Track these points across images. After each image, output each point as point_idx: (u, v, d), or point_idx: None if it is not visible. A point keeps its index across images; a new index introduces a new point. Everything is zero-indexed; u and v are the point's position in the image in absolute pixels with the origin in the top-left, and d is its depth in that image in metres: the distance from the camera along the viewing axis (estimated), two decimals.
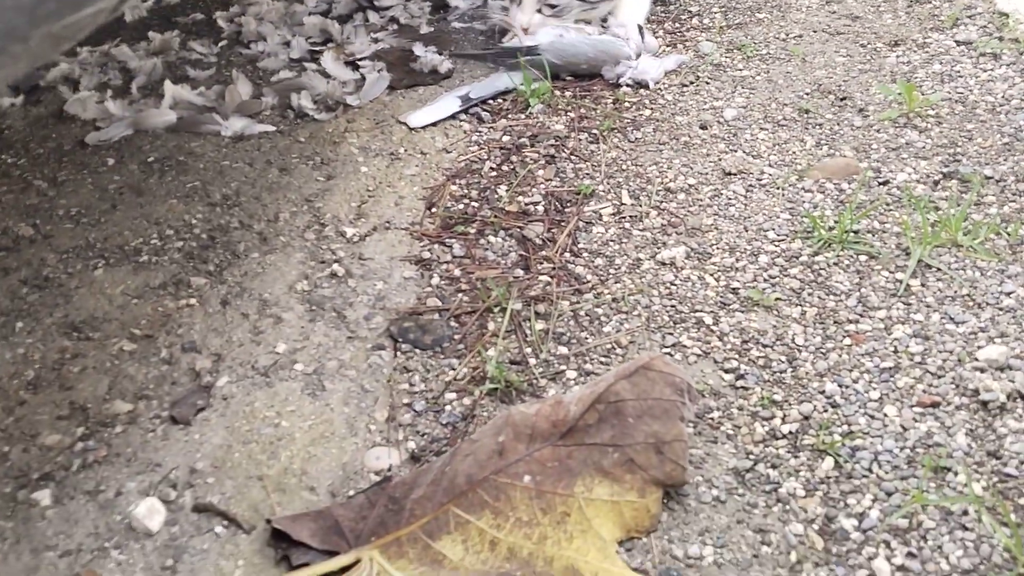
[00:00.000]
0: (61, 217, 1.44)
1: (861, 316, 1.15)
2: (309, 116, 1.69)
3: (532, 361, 1.12)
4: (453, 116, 1.66)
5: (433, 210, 1.42)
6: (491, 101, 1.72)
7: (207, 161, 1.57)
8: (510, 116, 1.67)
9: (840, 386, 1.04)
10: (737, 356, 1.10)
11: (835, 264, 1.24)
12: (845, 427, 0.99)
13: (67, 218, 1.44)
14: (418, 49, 1.89)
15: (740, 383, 1.06)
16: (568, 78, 1.77)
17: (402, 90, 1.77)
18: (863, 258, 1.25)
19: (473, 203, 1.43)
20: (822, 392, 1.04)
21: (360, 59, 1.87)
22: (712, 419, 1.02)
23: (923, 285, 1.20)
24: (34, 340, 1.20)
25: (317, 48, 1.93)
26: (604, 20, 1.87)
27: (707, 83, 1.74)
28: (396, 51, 1.90)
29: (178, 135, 1.65)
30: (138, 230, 1.40)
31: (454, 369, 1.12)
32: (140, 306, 1.25)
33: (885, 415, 1.00)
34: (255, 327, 1.20)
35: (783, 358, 1.09)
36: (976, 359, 1.06)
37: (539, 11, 1.77)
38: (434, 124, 1.64)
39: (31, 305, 1.26)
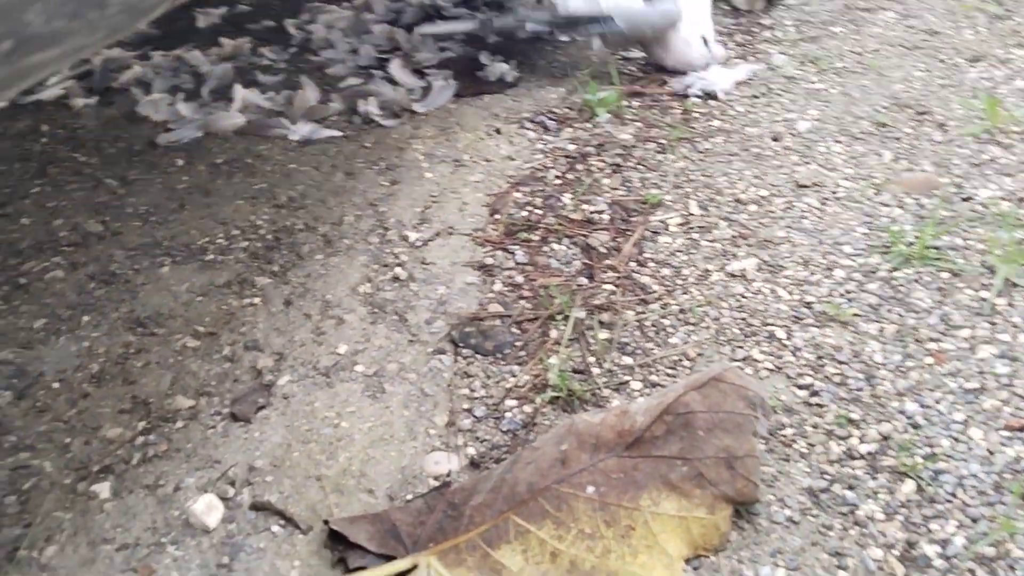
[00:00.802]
0: (130, 215, 1.45)
1: (943, 335, 1.10)
2: (375, 122, 1.69)
3: (595, 371, 1.09)
4: (466, 37, 1.69)
5: (497, 216, 1.40)
6: (556, 110, 1.70)
7: (274, 164, 1.58)
8: (576, 125, 1.65)
9: (922, 406, 0.99)
10: (811, 372, 1.06)
11: (915, 280, 1.19)
12: (927, 449, 0.94)
13: (136, 216, 1.45)
14: (484, 58, 1.88)
15: (814, 400, 1.02)
16: (637, 88, 1.74)
17: (468, 98, 1.76)
18: (945, 275, 1.20)
19: (537, 210, 1.41)
20: (902, 412, 0.99)
21: (427, 67, 1.87)
22: (785, 436, 0.98)
23: (1010, 304, 1.14)
24: (99, 334, 1.20)
25: (384, 56, 1.94)
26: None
27: (779, 95, 1.70)
28: (463, 60, 1.89)
29: (246, 138, 1.66)
30: (205, 229, 1.40)
31: (515, 376, 1.10)
32: (204, 304, 1.25)
33: (970, 438, 0.95)
34: (317, 327, 1.19)
35: (860, 375, 1.05)
36: None
37: None
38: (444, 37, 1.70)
39: (97, 300, 1.27)
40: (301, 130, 1.65)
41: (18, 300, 1.27)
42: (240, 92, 1.74)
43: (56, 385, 1.12)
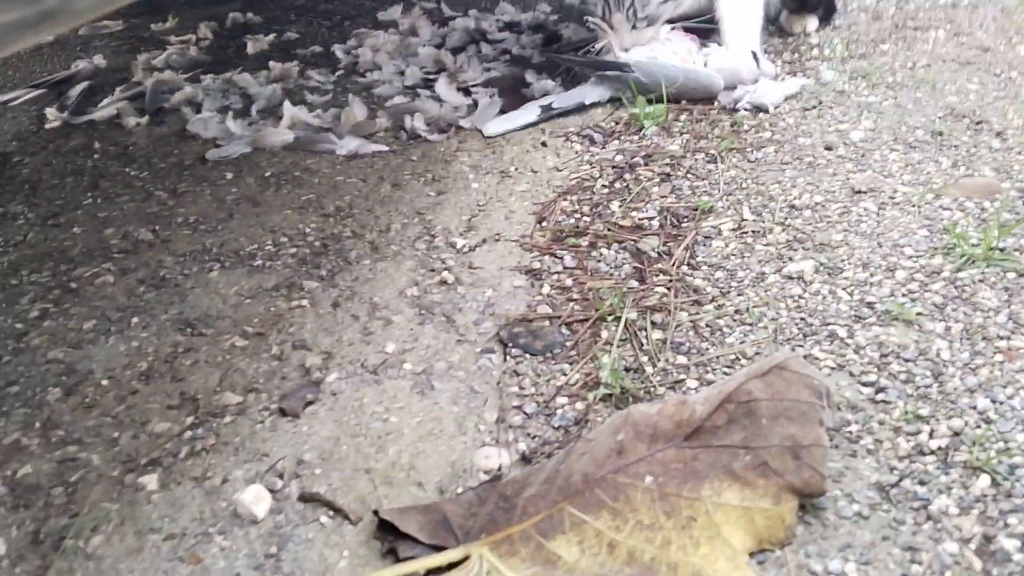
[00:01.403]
0: (179, 224, 1.46)
1: (1013, 333, 1.05)
2: (421, 137, 1.70)
3: (649, 369, 1.06)
4: (531, 125, 1.67)
5: (544, 224, 1.39)
6: (603, 124, 1.69)
7: (322, 176, 1.58)
8: (623, 138, 1.63)
9: (994, 402, 0.95)
10: (876, 370, 1.02)
11: (980, 281, 1.15)
12: (1001, 444, 0.90)
13: (185, 225, 1.46)
14: (529, 76, 1.88)
15: (880, 397, 0.98)
16: (684, 103, 1.73)
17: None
18: (1011, 275, 1.15)
19: (585, 218, 1.39)
20: (973, 407, 0.95)
21: (473, 86, 1.87)
22: (851, 433, 0.94)
23: None
24: (148, 335, 1.20)
25: (431, 77, 1.95)
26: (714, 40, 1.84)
27: (830, 107, 1.67)
28: (508, 78, 1.90)
29: (294, 153, 1.68)
30: (253, 237, 1.41)
31: (566, 374, 1.07)
32: (253, 306, 1.24)
33: None
34: (365, 328, 1.18)
35: (927, 373, 1.01)
36: None
37: (634, 27, 1.74)
38: (510, 132, 1.66)
39: (147, 303, 1.27)
40: (348, 145, 1.66)
41: (68, 303, 1.28)
42: (289, 109, 1.76)
43: (105, 382, 1.12)
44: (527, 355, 1.12)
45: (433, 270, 1.30)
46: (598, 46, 1.81)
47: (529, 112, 1.71)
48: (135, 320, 1.23)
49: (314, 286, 1.27)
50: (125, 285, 1.31)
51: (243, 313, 1.23)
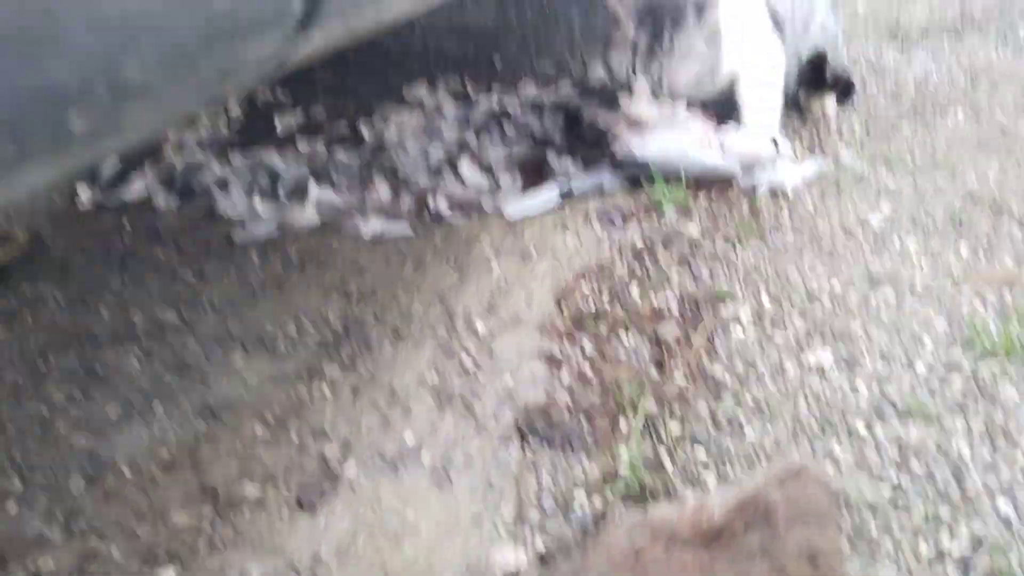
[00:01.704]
0: (205, 307, 1.49)
1: None
2: (444, 218, 1.72)
3: (668, 464, 1.06)
4: (554, 208, 1.70)
5: (563, 308, 1.40)
6: (623, 205, 1.71)
7: (345, 258, 1.61)
8: (642, 220, 1.65)
9: (1015, 506, 0.94)
10: (896, 468, 1.01)
11: (1002, 375, 1.14)
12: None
13: (210, 308, 1.48)
14: (551, 157, 1.91)
15: (900, 498, 0.97)
16: (704, 184, 1.75)
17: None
18: None
19: (604, 302, 1.40)
20: (995, 511, 0.94)
21: (495, 166, 1.90)
22: (870, 535, 0.93)
23: None
24: (171, 422, 1.22)
25: (454, 156, 1.98)
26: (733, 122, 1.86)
27: (849, 191, 1.68)
28: (530, 159, 1.93)
29: (320, 234, 1.70)
30: (277, 321, 1.43)
31: (584, 468, 1.07)
32: (274, 392, 1.26)
33: None
34: (384, 416, 1.19)
35: (948, 473, 1.00)
36: None
37: (654, 92, 1.76)
38: (530, 214, 1.69)
39: (170, 388, 1.29)
40: (373, 226, 1.69)
41: (94, 388, 1.30)
42: (314, 191, 1.79)
43: (127, 471, 1.13)
44: (546, 446, 1.12)
45: (453, 355, 1.31)
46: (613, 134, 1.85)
47: (549, 194, 1.73)
48: (158, 406, 1.25)
49: (335, 372, 1.29)
50: (150, 370, 1.33)
51: (264, 400, 1.24)
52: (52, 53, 0.41)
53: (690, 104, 1.82)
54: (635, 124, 1.79)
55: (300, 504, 1.05)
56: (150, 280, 1.59)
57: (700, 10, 1.68)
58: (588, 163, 1.86)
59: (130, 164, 2.10)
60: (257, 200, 1.80)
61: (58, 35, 0.41)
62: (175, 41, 0.44)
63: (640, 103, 1.77)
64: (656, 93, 1.75)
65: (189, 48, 0.44)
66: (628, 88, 1.76)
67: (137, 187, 1.95)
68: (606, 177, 1.77)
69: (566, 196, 1.72)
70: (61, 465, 1.14)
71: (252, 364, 1.32)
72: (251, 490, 1.07)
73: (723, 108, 1.96)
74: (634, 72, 1.74)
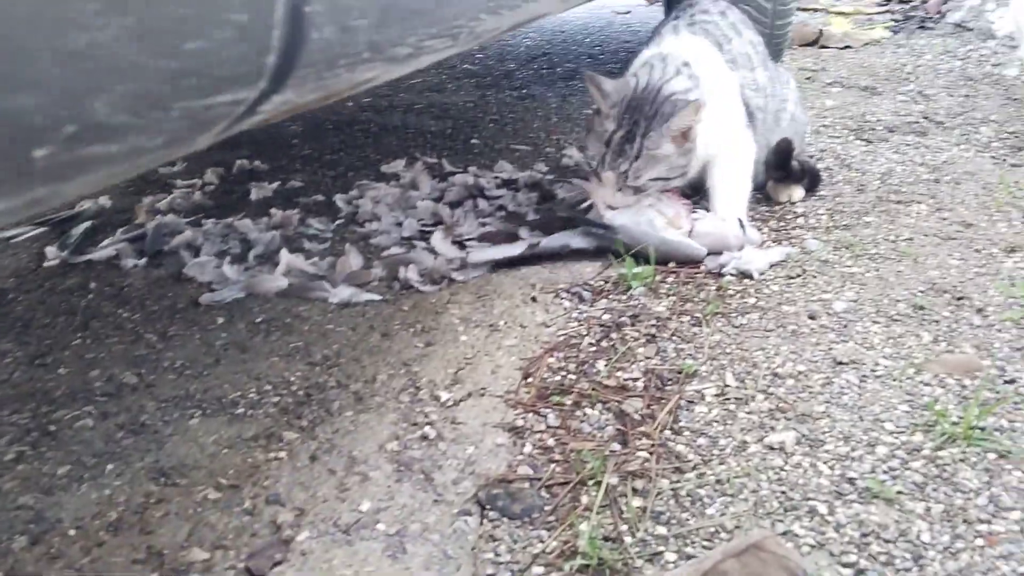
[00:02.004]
0: (166, 368, 1.47)
1: (993, 516, 1.04)
2: (414, 288, 1.73)
3: (628, 539, 1.05)
4: (517, 261, 1.76)
5: (529, 380, 1.39)
6: (592, 282, 1.72)
7: (312, 324, 1.60)
8: (611, 296, 1.66)
9: None
10: (856, 550, 1.00)
11: (961, 460, 1.15)
12: None
13: (171, 370, 1.46)
14: (523, 232, 1.93)
15: None
16: (672, 264, 1.77)
17: (506, 268, 1.79)
18: (992, 456, 1.15)
19: (570, 375, 1.40)
20: None
21: (468, 239, 1.92)
22: None
23: None
24: (121, 483, 1.19)
25: (428, 229, 2.00)
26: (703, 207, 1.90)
27: (814, 277, 1.71)
28: (503, 233, 1.94)
29: (287, 299, 1.70)
30: (237, 384, 1.41)
31: (543, 541, 1.05)
32: (230, 456, 1.23)
33: None
34: (341, 484, 1.17)
35: (908, 555, 0.99)
36: None
37: (619, 189, 1.79)
38: (486, 265, 1.77)
39: (124, 449, 1.26)
40: (341, 293, 1.69)
41: (45, 447, 1.27)
42: (285, 256, 1.79)
43: (72, 532, 1.09)
44: (505, 518, 1.10)
45: (415, 424, 1.30)
46: (585, 205, 1.88)
47: (516, 246, 1.76)
48: (110, 467, 1.22)
49: (293, 437, 1.27)
50: (104, 430, 1.30)
51: (219, 463, 1.21)
52: (18, 84, 0.41)
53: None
54: (602, 195, 1.82)
55: (249, 571, 1.02)
56: (112, 340, 1.57)
57: (673, 113, 1.73)
58: (561, 231, 1.88)
59: (100, 225, 2.09)
60: (227, 264, 1.80)
61: (26, 66, 0.41)
62: (145, 84, 0.44)
63: (607, 192, 1.80)
64: (622, 185, 1.78)
65: (159, 92, 0.44)
66: (598, 176, 1.79)
67: (106, 248, 1.94)
68: (575, 239, 1.79)
69: (532, 250, 1.74)
70: (6, 523, 1.10)
71: (210, 427, 1.30)
72: (199, 555, 1.04)
73: (694, 194, 2.00)
74: (603, 163, 1.77)
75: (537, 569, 1.01)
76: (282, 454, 1.23)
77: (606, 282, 1.73)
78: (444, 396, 1.36)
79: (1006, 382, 1.32)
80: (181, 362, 1.48)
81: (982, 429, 1.20)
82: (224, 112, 0.50)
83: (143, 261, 1.88)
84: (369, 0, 0.60)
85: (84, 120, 0.41)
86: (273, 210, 2.11)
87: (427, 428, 1.27)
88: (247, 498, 1.15)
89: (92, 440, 1.28)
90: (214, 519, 1.11)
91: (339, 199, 2.20)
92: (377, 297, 1.69)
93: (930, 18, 4.03)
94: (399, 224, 2.04)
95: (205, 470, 1.20)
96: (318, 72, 0.57)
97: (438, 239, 1.90)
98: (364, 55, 0.61)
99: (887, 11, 4.29)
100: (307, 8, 0.52)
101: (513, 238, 1.91)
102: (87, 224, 2.07)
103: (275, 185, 2.31)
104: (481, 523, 1.09)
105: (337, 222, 2.08)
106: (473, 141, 2.67)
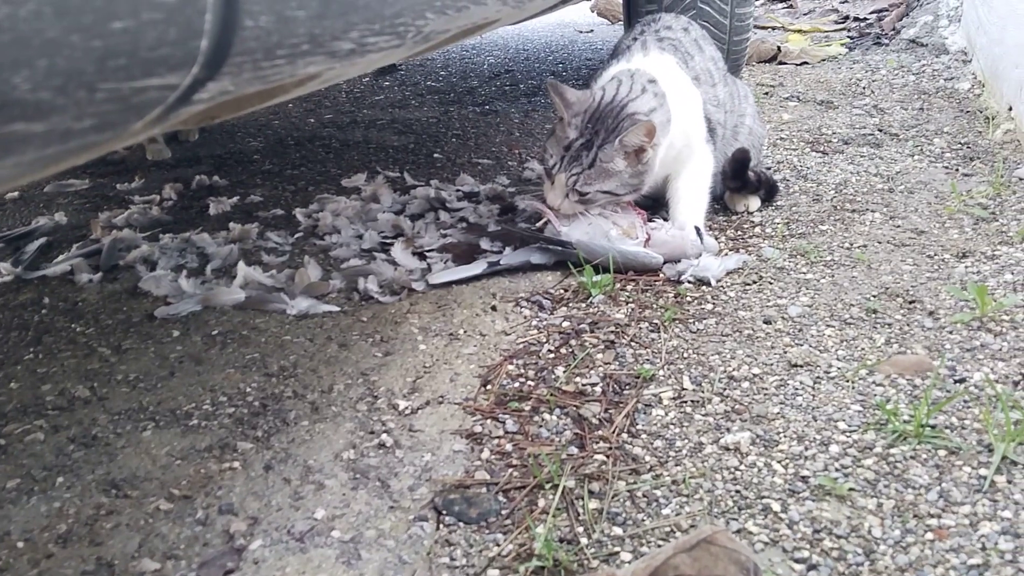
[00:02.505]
0: (119, 382, 1.45)
1: (943, 511, 1.06)
2: (374, 299, 1.72)
3: (584, 540, 1.05)
4: (476, 278, 1.76)
5: (488, 387, 1.39)
6: (552, 291, 1.73)
7: (269, 335, 1.59)
8: (571, 305, 1.67)
9: None
10: (808, 546, 1.01)
11: (912, 457, 1.16)
12: None
13: (124, 383, 1.44)
14: (484, 243, 1.93)
15: (812, 574, 0.97)
16: (631, 273, 1.78)
17: (467, 279, 1.80)
18: (942, 452, 1.17)
19: (529, 382, 1.40)
20: None
21: (428, 250, 1.92)
22: None
23: (1009, 482, 1.10)
24: (72, 495, 1.17)
25: (388, 241, 1.99)
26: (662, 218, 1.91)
27: (770, 283, 1.73)
28: (463, 244, 1.95)
29: (244, 312, 1.68)
30: (192, 396, 1.39)
31: (499, 545, 1.05)
32: (183, 467, 1.22)
33: None
34: (296, 492, 1.15)
35: (859, 550, 1.00)
36: None
37: (567, 195, 1.80)
38: (455, 283, 1.76)
39: (75, 462, 1.24)
40: (299, 305, 1.68)
41: None
42: (243, 269, 1.78)
43: (21, 544, 1.07)
44: (461, 523, 1.10)
45: (372, 432, 1.29)
46: (541, 223, 1.88)
47: (475, 267, 1.76)
48: (60, 480, 1.20)
49: (248, 447, 1.25)
50: (55, 443, 1.28)
51: (172, 474, 1.20)
52: None
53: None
54: (562, 214, 1.83)
55: None
56: (65, 354, 1.55)
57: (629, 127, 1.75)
58: (521, 246, 1.88)
59: (55, 242, 2.07)
60: (183, 277, 1.78)
61: None
62: (69, 61, 0.44)
63: (555, 195, 1.81)
64: (571, 190, 1.80)
65: (84, 71, 0.44)
66: (551, 177, 1.81)
67: (60, 263, 1.91)
68: (535, 255, 1.80)
69: (493, 268, 1.75)
70: None
71: (162, 439, 1.28)
72: (150, 565, 1.03)
73: (654, 205, 2.02)
74: (559, 166, 1.79)
75: (492, 572, 1.01)
76: (236, 464, 1.22)
77: (566, 291, 1.74)
78: (402, 404, 1.35)
79: (956, 381, 1.34)
80: (135, 375, 1.46)
81: (933, 427, 1.22)
82: (157, 97, 0.50)
83: (98, 276, 1.86)
84: None
85: (3, 94, 0.41)
86: (232, 224, 2.09)
87: (384, 436, 1.27)
88: (199, 508, 1.13)
89: (42, 453, 1.26)
90: (166, 530, 1.09)
91: (299, 213, 2.19)
92: (335, 308, 1.68)
93: (885, 35, 4.11)
94: (359, 237, 2.04)
95: (157, 481, 1.19)
96: (256, 62, 0.57)
97: (398, 250, 1.89)
98: (304, 47, 0.61)
99: (843, 29, 4.38)
100: None
101: (474, 249, 1.91)
102: (42, 240, 2.04)
103: (234, 200, 2.29)
104: (437, 528, 1.09)
105: (296, 235, 2.07)
106: (436, 155, 2.68)
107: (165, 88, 0.50)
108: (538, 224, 1.91)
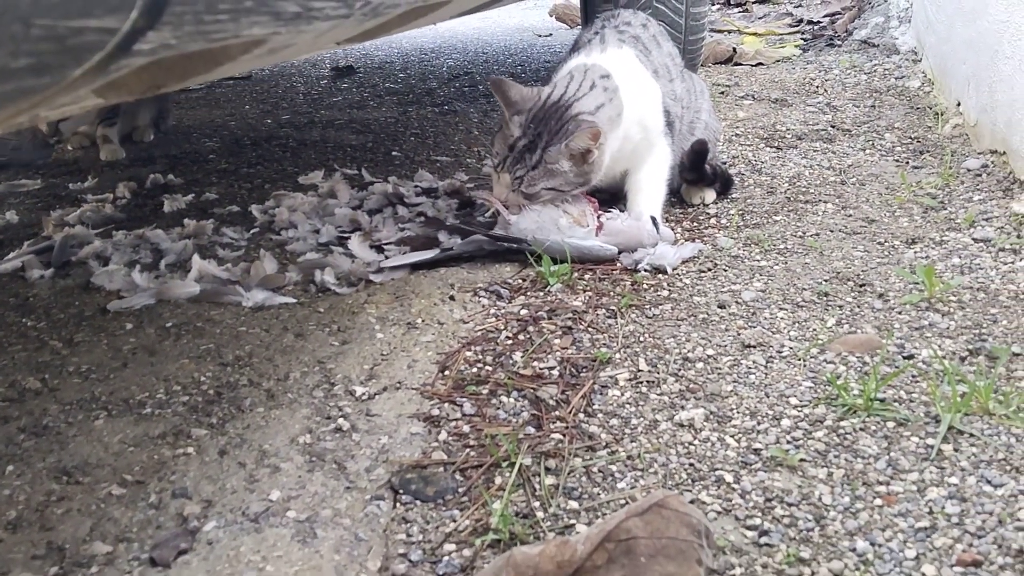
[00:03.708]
0: (71, 373, 1.43)
1: (892, 478, 1.08)
2: (331, 290, 1.71)
3: (540, 514, 1.05)
4: (431, 265, 1.79)
5: (446, 372, 1.39)
6: (510, 281, 1.73)
7: (224, 327, 1.58)
8: (529, 294, 1.68)
9: (873, 544, 0.96)
10: (760, 514, 1.03)
11: (861, 429, 1.18)
12: None
13: (76, 374, 1.42)
14: (442, 236, 1.93)
15: (764, 540, 0.98)
16: (588, 262, 1.79)
17: (425, 270, 1.80)
18: (891, 424, 1.19)
19: (487, 367, 1.40)
20: (853, 550, 0.95)
21: (386, 243, 1.92)
22: None
23: (956, 450, 1.13)
24: (22, 483, 1.15)
25: (346, 235, 1.98)
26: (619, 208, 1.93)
27: (725, 270, 1.75)
28: (421, 237, 1.95)
29: (199, 304, 1.67)
30: (145, 386, 1.38)
31: (455, 521, 1.05)
32: (135, 454, 1.20)
33: (923, 574, 0.91)
34: (251, 476, 1.15)
35: (809, 516, 1.01)
36: (1019, 519, 0.97)
37: (513, 191, 1.81)
38: (411, 273, 1.78)
39: (25, 451, 1.22)
40: (255, 297, 1.67)
41: None
42: (197, 262, 1.77)
43: None
44: (418, 502, 1.10)
45: (329, 417, 1.28)
46: (489, 213, 1.89)
47: (429, 252, 1.77)
48: (10, 468, 1.18)
49: (202, 434, 1.24)
50: (4, 433, 1.26)
51: (124, 461, 1.18)
52: None
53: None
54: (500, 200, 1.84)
55: (153, 562, 0.99)
56: (15, 348, 1.52)
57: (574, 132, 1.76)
58: (454, 230, 1.90)
59: (6, 240, 2.03)
60: (137, 272, 1.76)
61: None
62: None
63: (501, 190, 1.83)
64: (516, 188, 1.81)
65: (20, 3, 0.43)
66: (497, 174, 1.82)
67: (11, 260, 1.88)
68: (487, 243, 1.80)
69: (445, 253, 1.76)
70: None
71: (115, 427, 1.27)
72: (102, 548, 1.01)
73: (611, 199, 2.04)
74: (503, 164, 1.80)
75: (449, 547, 1.01)
76: (190, 450, 1.21)
77: (524, 280, 1.74)
78: (359, 391, 1.35)
79: (905, 358, 1.37)
80: (87, 367, 1.44)
81: (881, 400, 1.24)
82: (95, 41, 0.50)
83: (49, 272, 1.83)
84: None
85: None
86: (187, 220, 2.07)
87: (341, 421, 1.26)
88: (152, 492, 1.12)
89: None
90: (118, 514, 1.08)
91: (255, 209, 2.17)
92: (292, 300, 1.67)
93: (838, 36, 4.19)
94: (316, 231, 2.03)
95: (109, 468, 1.17)
96: (197, 14, 0.57)
97: (355, 243, 1.89)
98: (247, 3, 0.61)
99: (797, 31, 4.45)
100: None
101: (432, 243, 1.91)
102: None
103: (189, 198, 2.27)
104: (394, 507, 1.09)
105: (252, 231, 2.05)
106: (394, 153, 2.68)
107: (103, 31, 0.50)
108: (488, 213, 1.92)
